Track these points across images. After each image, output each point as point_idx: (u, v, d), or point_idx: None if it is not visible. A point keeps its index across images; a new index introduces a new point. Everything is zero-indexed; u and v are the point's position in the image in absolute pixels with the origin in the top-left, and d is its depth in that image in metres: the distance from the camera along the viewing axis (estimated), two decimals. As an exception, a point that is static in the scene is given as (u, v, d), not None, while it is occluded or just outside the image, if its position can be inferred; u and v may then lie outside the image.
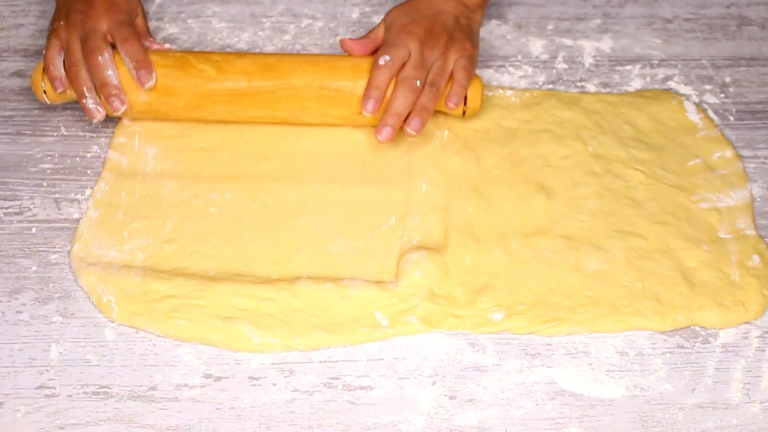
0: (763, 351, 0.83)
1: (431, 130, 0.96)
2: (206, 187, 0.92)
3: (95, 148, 0.96)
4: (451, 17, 0.95)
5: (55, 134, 0.97)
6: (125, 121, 0.97)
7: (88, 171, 0.94)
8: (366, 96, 0.90)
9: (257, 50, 1.05)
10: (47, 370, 0.80)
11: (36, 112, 0.99)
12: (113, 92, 0.90)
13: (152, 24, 1.08)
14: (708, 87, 1.03)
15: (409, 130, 0.90)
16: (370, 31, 0.95)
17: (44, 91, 0.93)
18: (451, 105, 0.91)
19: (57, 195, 0.92)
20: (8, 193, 0.92)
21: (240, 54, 0.94)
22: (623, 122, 0.98)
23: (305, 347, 0.81)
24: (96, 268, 0.85)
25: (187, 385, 0.79)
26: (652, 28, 1.09)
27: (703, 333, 0.84)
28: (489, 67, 1.04)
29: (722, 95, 1.02)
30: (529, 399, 0.79)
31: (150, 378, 0.80)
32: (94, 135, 0.97)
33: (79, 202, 0.91)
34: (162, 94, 0.92)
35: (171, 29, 1.08)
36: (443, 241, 0.87)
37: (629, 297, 0.84)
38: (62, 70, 0.92)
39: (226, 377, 0.80)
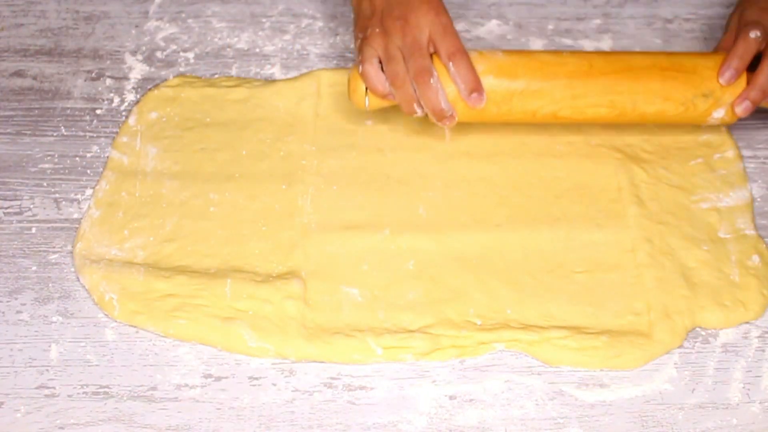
0: (763, 351, 0.83)
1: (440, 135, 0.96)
2: (206, 187, 0.92)
3: (95, 148, 0.96)
4: None
5: (55, 134, 0.97)
6: (130, 121, 0.97)
7: (88, 171, 0.94)
8: (726, 64, 0.89)
9: (257, 50, 1.05)
10: (47, 370, 0.80)
11: (36, 112, 0.99)
12: (446, 115, 0.87)
13: (152, 24, 1.08)
14: (708, 87, 1.03)
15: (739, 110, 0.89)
16: (730, 40, 0.92)
17: (366, 100, 0.90)
18: None
19: (57, 195, 0.92)
20: (8, 193, 0.92)
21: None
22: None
23: (297, 358, 0.81)
24: (99, 266, 0.85)
25: (187, 385, 0.79)
26: (652, 28, 1.09)
27: (703, 333, 0.84)
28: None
29: (722, 95, 1.02)
30: (529, 399, 0.79)
31: (150, 378, 0.80)
32: (94, 135, 0.97)
33: (79, 202, 0.91)
34: (501, 75, 0.89)
35: (171, 29, 1.08)
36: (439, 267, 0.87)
37: (641, 323, 0.84)
38: (386, 84, 0.87)
39: (226, 377, 0.80)
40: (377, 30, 0.88)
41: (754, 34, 0.89)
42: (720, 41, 0.94)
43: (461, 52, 0.86)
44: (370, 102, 0.89)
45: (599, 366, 0.81)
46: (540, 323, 0.83)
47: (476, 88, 0.86)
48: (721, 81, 0.89)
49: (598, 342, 0.81)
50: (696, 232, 0.89)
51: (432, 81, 0.85)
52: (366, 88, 0.88)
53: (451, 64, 0.86)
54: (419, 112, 0.88)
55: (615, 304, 0.84)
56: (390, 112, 0.98)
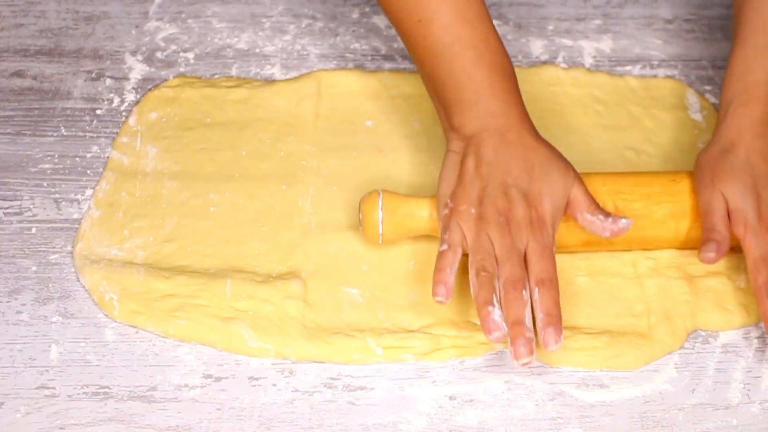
0: (763, 351, 0.83)
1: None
2: (206, 187, 0.92)
3: (95, 148, 0.96)
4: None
5: (55, 134, 0.97)
6: (130, 121, 0.97)
7: (88, 171, 0.94)
8: (704, 243, 0.81)
9: (257, 50, 1.05)
10: (47, 370, 0.80)
11: (36, 112, 0.99)
12: (525, 336, 0.75)
13: (152, 24, 1.08)
14: (708, 87, 1.03)
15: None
16: (712, 215, 0.82)
17: (380, 237, 0.84)
18: None
19: (57, 195, 0.92)
20: (8, 193, 0.92)
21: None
22: (629, 119, 0.98)
23: (297, 358, 0.81)
24: (99, 266, 0.85)
25: (187, 386, 0.79)
26: (652, 29, 1.09)
27: (703, 333, 0.84)
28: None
29: (722, 95, 1.02)
30: (529, 399, 0.79)
31: (150, 378, 0.80)
32: (94, 135, 0.97)
33: (79, 202, 0.91)
34: None
35: (171, 29, 1.08)
36: None
37: (641, 324, 0.83)
38: (453, 276, 0.78)
39: (226, 377, 0.80)
40: (473, 210, 0.79)
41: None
42: (709, 225, 0.83)
43: (551, 281, 0.77)
44: (385, 237, 0.84)
45: (599, 366, 0.81)
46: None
47: (553, 323, 0.76)
48: (703, 259, 0.82)
49: (598, 342, 0.81)
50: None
51: (524, 294, 0.76)
52: (381, 220, 0.83)
53: (535, 284, 0.77)
54: (497, 320, 0.75)
55: (615, 305, 0.84)
56: (390, 113, 0.98)
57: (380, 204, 0.83)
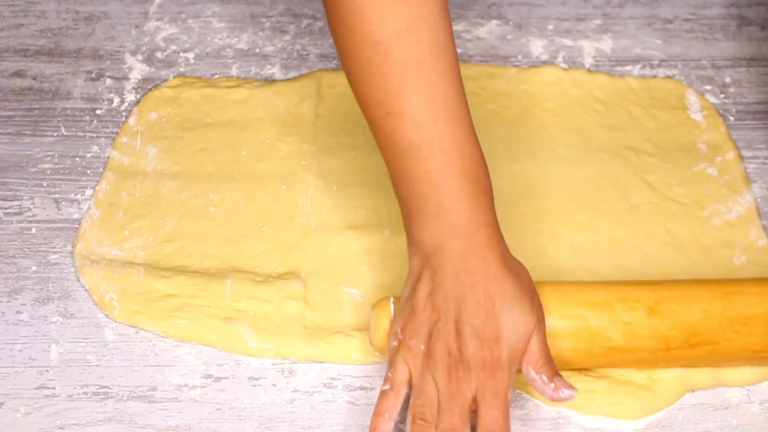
0: (763, 351, 0.83)
1: None
2: (206, 187, 0.92)
3: (95, 148, 0.96)
4: None
5: (55, 134, 0.97)
6: (130, 121, 0.97)
7: (88, 171, 0.94)
8: None
9: (257, 50, 1.05)
10: (47, 370, 0.80)
11: (36, 112, 0.99)
12: None
13: (152, 24, 1.08)
14: (708, 87, 1.03)
15: None
16: None
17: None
18: None
19: (57, 195, 0.92)
20: (8, 193, 0.92)
21: (652, 309, 0.76)
22: (629, 119, 0.98)
23: (297, 358, 0.81)
24: (99, 266, 0.85)
25: (187, 386, 0.79)
26: (652, 29, 1.09)
27: (703, 333, 0.84)
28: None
29: (722, 95, 1.02)
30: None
31: (150, 378, 0.80)
32: (94, 135, 0.97)
33: (79, 202, 0.91)
34: None
35: (171, 29, 1.08)
36: None
37: (644, 378, 0.80)
38: (392, 423, 0.71)
39: (226, 377, 0.80)
40: (422, 346, 0.71)
41: None
42: None
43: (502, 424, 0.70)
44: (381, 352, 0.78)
45: (595, 412, 0.78)
46: None
47: None
48: None
49: (597, 387, 0.78)
50: (709, 264, 0.87)
51: None
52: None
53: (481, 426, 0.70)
54: None
55: None
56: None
57: (392, 311, 0.76)
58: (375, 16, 0.71)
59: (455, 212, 0.72)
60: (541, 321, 0.73)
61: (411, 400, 0.71)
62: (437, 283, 0.72)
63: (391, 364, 0.72)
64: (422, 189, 0.73)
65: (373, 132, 0.75)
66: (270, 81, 1.02)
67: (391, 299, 0.77)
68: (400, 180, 0.74)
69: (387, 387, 0.72)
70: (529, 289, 0.73)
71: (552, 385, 0.72)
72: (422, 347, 0.71)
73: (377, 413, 0.71)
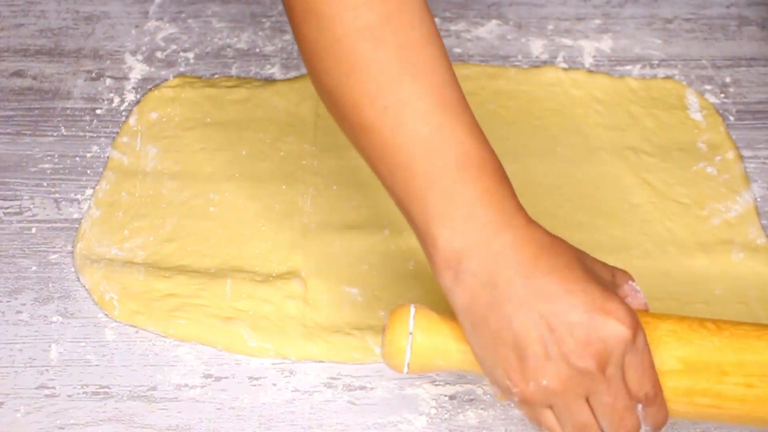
0: (763, 351, 0.83)
1: None
2: (206, 187, 0.92)
3: (95, 148, 0.96)
4: None
5: (55, 134, 0.97)
6: (130, 121, 0.97)
7: (88, 171, 0.94)
8: None
9: (257, 50, 1.05)
10: (47, 370, 0.80)
11: (36, 112, 0.99)
12: None
13: (152, 24, 1.08)
14: (708, 87, 1.03)
15: None
16: None
17: (406, 367, 0.65)
18: None
19: (57, 195, 0.92)
20: (8, 193, 0.92)
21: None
22: (629, 119, 0.98)
23: (297, 357, 0.81)
24: (99, 266, 0.85)
25: (187, 385, 0.79)
26: (652, 28, 1.09)
27: (703, 333, 0.84)
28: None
29: (722, 95, 1.02)
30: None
31: (150, 378, 0.80)
32: (94, 135, 0.97)
33: (79, 202, 0.92)
34: None
35: (171, 29, 1.08)
36: None
37: None
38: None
39: (226, 377, 0.80)
40: (554, 380, 0.59)
41: None
42: None
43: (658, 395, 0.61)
44: (411, 367, 0.65)
45: None
46: None
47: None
48: None
49: None
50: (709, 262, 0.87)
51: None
52: (409, 350, 0.64)
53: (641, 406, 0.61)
54: None
55: None
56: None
57: (411, 326, 0.65)
58: (359, 2, 0.63)
59: (488, 208, 0.61)
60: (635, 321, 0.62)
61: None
62: (506, 298, 0.59)
63: (533, 419, 0.63)
64: (442, 189, 0.62)
65: (364, 138, 0.64)
66: (270, 81, 1.02)
67: (412, 309, 0.65)
68: (408, 185, 0.63)
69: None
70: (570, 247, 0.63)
71: None
72: (544, 382, 0.60)
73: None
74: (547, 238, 0.62)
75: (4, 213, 0.91)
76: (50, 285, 0.86)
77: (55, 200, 0.92)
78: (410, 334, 0.64)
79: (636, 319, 0.60)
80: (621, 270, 0.65)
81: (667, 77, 1.03)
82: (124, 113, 0.99)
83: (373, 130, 0.63)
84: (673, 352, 0.62)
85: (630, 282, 0.65)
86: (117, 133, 0.97)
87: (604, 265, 0.64)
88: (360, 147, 0.65)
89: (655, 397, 0.61)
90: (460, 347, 0.64)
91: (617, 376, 0.59)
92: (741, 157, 0.96)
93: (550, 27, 1.09)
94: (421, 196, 0.62)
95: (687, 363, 0.62)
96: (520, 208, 0.63)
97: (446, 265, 0.61)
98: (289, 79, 1.02)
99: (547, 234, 0.62)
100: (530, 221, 0.62)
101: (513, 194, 0.63)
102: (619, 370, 0.59)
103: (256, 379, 0.80)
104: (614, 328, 0.58)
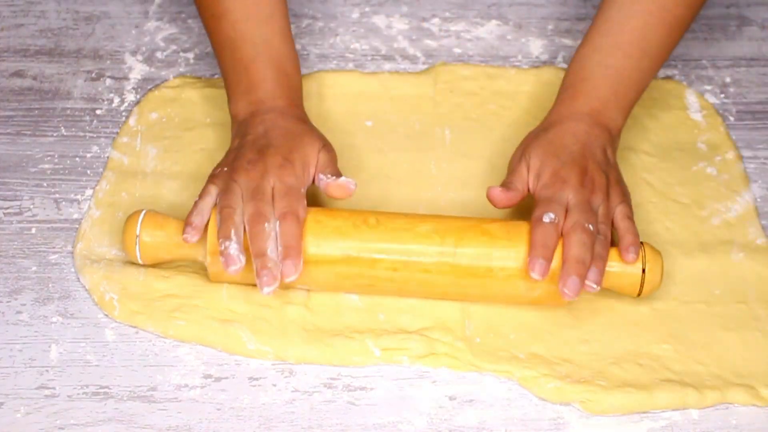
0: (763, 351, 0.83)
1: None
2: (206, 187, 0.92)
3: (95, 148, 0.96)
4: (599, 151, 0.85)
5: (55, 134, 0.97)
6: (130, 121, 0.97)
7: (88, 171, 0.94)
8: (533, 256, 0.78)
9: (257, 50, 1.05)
10: (47, 370, 0.80)
11: (36, 112, 0.99)
12: (267, 266, 0.78)
13: (152, 24, 1.08)
14: (708, 87, 1.03)
15: (589, 283, 0.77)
16: (513, 174, 0.85)
17: (138, 252, 0.83)
18: (631, 257, 0.80)
19: (57, 195, 0.92)
20: (8, 193, 0.92)
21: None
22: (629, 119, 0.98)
23: (296, 360, 0.81)
24: (99, 266, 0.85)
25: (187, 386, 0.79)
26: (652, 28, 1.09)
27: (703, 333, 0.84)
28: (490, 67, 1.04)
29: (722, 95, 1.02)
30: (529, 399, 0.79)
31: (150, 378, 0.80)
32: (94, 135, 0.97)
33: (79, 202, 0.91)
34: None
35: (171, 29, 1.08)
36: None
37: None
38: (203, 218, 0.81)
39: (226, 377, 0.80)
40: (225, 169, 0.84)
41: (547, 217, 0.80)
42: (512, 173, 0.86)
43: (293, 216, 0.80)
44: (143, 260, 0.84)
45: (596, 412, 0.78)
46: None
47: (291, 256, 0.79)
48: (534, 276, 0.77)
49: (597, 386, 0.79)
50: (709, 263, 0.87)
51: (267, 226, 0.79)
52: (138, 238, 0.82)
53: (278, 220, 0.80)
54: (238, 264, 0.79)
55: (620, 346, 0.82)
56: (390, 114, 0.98)
57: (138, 229, 0.83)
58: None
59: (259, 89, 0.89)
60: (326, 145, 0.87)
61: (218, 203, 0.81)
62: (243, 134, 0.87)
63: (200, 195, 0.83)
64: (236, 73, 0.90)
65: (207, 33, 0.93)
66: (270, 81, 1.02)
67: (142, 214, 0.83)
68: (222, 69, 0.92)
69: (198, 198, 0.83)
70: (320, 135, 0.88)
71: (341, 180, 0.84)
72: (226, 169, 0.84)
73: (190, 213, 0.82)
74: (294, 117, 0.89)
75: (4, 213, 0.91)
76: (50, 285, 0.86)
77: (55, 200, 0.92)
78: (137, 236, 0.82)
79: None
80: None
81: (667, 77, 1.03)
82: (124, 113, 0.99)
83: (207, 30, 0.93)
84: (337, 244, 0.80)
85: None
86: (117, 133, 0.97)
87: None
88: (209, 30, 0.93)
89: (290, 218, 0.80)
90: (179, 243, 0.82)
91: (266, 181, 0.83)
92: (741, 158, 0.96)
93: (550, 27, 1.09)
94: (226, 77, 0.92)
95: (346, 253, 0.80)
96: (288, 95, 0.90)
97: (233, 122, 0.91)
98: (289, 79, 1.02)
99: (298, 116, 0.89)
100: (290, 104, 0.89)
101: (288, 84, 0.90)
102: None
103: (256, 379, 0.80)
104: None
